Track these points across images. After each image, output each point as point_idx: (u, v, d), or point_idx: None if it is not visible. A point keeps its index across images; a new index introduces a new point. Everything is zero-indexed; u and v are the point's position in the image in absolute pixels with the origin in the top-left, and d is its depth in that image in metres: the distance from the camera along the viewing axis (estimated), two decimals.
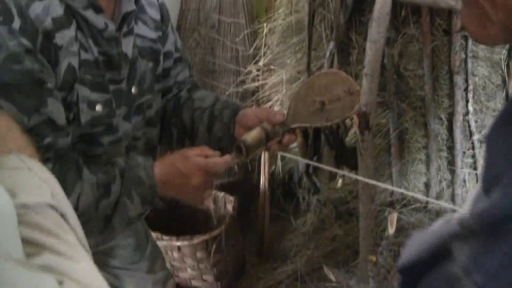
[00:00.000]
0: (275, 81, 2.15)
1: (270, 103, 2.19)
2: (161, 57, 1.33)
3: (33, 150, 0.76)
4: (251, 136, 1.12)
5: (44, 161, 1.07)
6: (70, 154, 1.14)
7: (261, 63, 2.16)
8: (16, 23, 1.02)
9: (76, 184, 1.09)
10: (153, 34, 1.30)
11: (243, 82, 2.39)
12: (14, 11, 1.02)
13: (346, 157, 2.03)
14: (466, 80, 1.92)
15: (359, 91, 1.12)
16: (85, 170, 1.12)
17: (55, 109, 1.08)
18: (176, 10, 2.80)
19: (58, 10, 1.07)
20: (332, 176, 2.25)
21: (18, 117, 1.03)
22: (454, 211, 1.94)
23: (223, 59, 2.58)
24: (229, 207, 2.23)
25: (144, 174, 1.14)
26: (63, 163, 1.10)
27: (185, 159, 1.14)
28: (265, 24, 2.08)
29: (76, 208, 1.06)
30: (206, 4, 2.66)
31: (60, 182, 1.03)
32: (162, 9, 1.34)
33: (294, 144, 2.22)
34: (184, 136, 1.38)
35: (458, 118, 2.02)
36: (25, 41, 1.02)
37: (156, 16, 1.32)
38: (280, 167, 2.43)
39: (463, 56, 1.86)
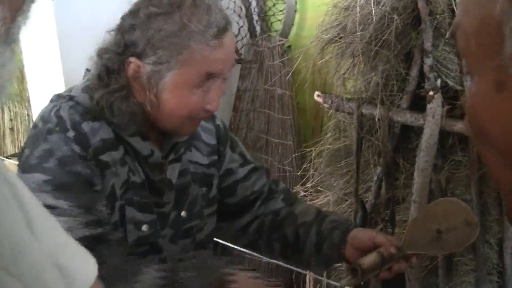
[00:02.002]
0: (322, 203, 2.18)
1: None
2: (215, 181, 1.38)
3: None
4: (368, 260, 1.12)
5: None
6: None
7: (308, 185, 2.21)
8: (71, 133, 1.11)
9: (140, 272, 1.08)
10: (205, 160, 1.35)
11: None
12: (69, 124, 1.12)
13: (394, 282, 2.01)
14: None
15: (477, 224, 1.12)
16: (150, 262, 1.14)
17: (102, 212, 1.13)
18: None
19: (108, 133, 1.15)
20: None
21: (77, 214, 1.07)
22: None
23: None
24: None
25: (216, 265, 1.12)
26: (124, 257, 1.14)
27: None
28: (313, 148, 2.15)
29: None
30: (255, 124, 2.76)
31: (120, 270, 1.06)
32: (219, 130, 1.40)
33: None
34: (287, 249, 1.37)
35: (508, 244, 1.99)
36: (77, 149, 1.10)
37: (211, 140, 1.37)
38: None
39: None
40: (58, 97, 1.19)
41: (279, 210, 1.41)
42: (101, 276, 1.05)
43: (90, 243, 1.07)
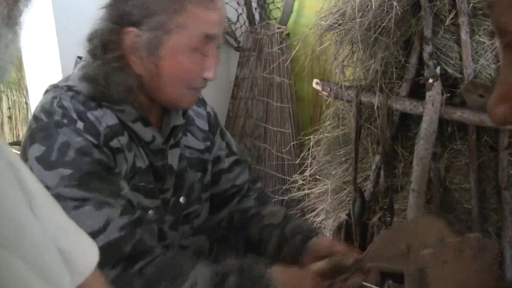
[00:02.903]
0: (321, 191, 2.17)
1: (315, 212, 2.21)
2: (209, 166, 1.37)
3: None
4: (317, 266, 1.12)
5: (151, 248, 1.10)
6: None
7: (307, 173, 2.20)
8: (80, 124, 1.09)
9: (192, 271, 1.09)
10: (201, 145, 1.35)
11: (288, 190, 2.42)
12: (75, 115, 1.10)
13: (392, 271, 2.00)
14: None
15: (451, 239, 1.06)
16: (200, 260, 1.13)
17: (128, 191, 1.13)
18: (223, 116, 2.90)
19: (113, 119, 1.14)
20: None
21: (105, 202, 1.07)
22: None
23: (269, 167, 2.63)
24: None
25: (262, 274, 1.12)
26: (176, 253, 1.15)
27: (304, 273, 1.15)
28: (312, 137, 2.13)
29: None
30: (253, 112, 2.75)
31: (174, 269, 1.08)
32: (210, 117, 1.40)
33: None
34: (251, 249, 1.38)
35: (507, 233, 1.98)
36: (90, 138, 1.09)
37: (204, 126, 1.37)
38: None
39: (511, 172, 1.86)
40: (55, 87, 1.17)
41: (249, 209, 1.41)
42: (158, 269, 1.06)
43: (132, 230, 1.08)
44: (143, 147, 1.19)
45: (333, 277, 1.13)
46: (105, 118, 1.12)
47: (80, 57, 1.21)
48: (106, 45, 1.11)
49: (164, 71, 1.12)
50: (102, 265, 1.03)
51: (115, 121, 1.14)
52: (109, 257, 1.04)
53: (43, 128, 1.09)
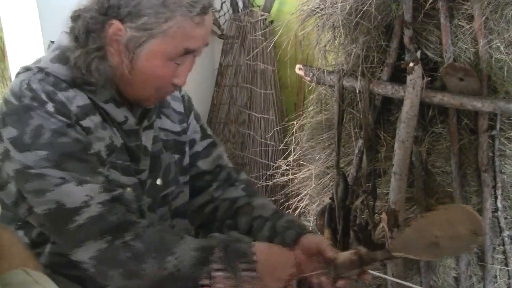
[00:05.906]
0: (304, 176, 2.19)
1: (299, 197, 2.22)
2: (187, 148, 1.39)
3: (36, 262, 0.79)
4: (343, 256, 1.11)
5: (137, 222, 1.10)
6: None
7: (290, 158, 2.21)
8: (50, 106, 1.09)
9: (178, 245, 1.09)
10: (177, 127, 1.37)
11: (272, 176, 2.43)
12: (44, 96, 1.10)
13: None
14: (494, 178, 1.93)
15: (482, 233, 1.09)
16: (186, 235, 1.14)
17: (105, 170, 1.14)
18: (208, 104, 2.90)
19: (84, 100, 1.14)
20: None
21: (84, 180, 1.07)
22: None
23: (253, 153, 2.65)
24: None
25: (247, 249, 1.13)
26: (163, 227, 1.16)
27: (287, 252, 1.16)
28: (295, 122, 2.15)
29: (178, 269, 1.07)
30: (237, 99, 2.76)
31: (161, 243, 1.08)
32: (184, 100, 1.42)
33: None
34: None
35: (487, 215, 2.01)
36: (62, 118, 1.09)
37: (180, 108, 1.39)
38: None
39: (491, 154, 1.88)
40: (26, 69, 1.17)
41: (238, 199, 1.41)
42: (145, 243, 1.06)
43: (113, 206, 1.09)
44: (116, 127, 1.20)
45: (361, 266, 1.11)
46: (76, 99, 1.13)
47: (53, 42, 1.21)
48: (89, 30, 1.11)
49: (137, 71, 1.13)
50: (86, 239, 1.04)
51: (86, 101, 1.14)
52: (93, 230, 1.05)
53: (13, 112, 1.09)
